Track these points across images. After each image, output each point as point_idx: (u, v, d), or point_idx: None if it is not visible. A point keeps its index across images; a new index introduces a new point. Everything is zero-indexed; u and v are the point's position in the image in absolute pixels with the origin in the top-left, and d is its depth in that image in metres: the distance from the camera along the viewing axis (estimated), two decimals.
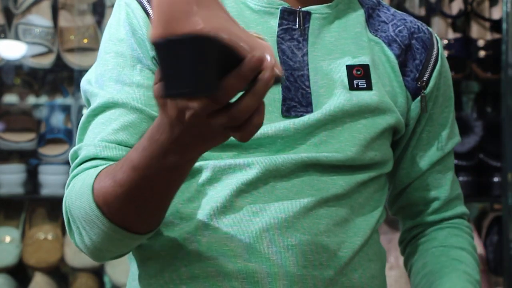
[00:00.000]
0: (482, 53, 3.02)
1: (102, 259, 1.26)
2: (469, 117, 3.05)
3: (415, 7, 3.07)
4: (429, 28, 1.42)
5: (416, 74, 1.36)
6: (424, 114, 1.38)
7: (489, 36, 3.07)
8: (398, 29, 1.37)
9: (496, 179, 3.01)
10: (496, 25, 3.05)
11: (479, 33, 3.08)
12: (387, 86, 1.33)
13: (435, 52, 1.39)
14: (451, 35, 3.04)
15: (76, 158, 1.24)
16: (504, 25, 2.90)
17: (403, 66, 1.36)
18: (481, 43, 3.02)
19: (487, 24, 3.09)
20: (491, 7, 3.14)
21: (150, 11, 1.27)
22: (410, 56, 1.37)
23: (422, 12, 3.06)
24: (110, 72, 1.26)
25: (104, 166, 1.19)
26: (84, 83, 1.30)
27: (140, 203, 1.11)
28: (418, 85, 1.36)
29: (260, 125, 0.94)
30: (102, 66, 1.28)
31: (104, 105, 1.24)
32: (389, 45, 1.35)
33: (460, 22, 3.11)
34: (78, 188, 1.17)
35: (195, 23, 0.85)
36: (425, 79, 1.37)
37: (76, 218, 1.18)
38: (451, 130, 1.43)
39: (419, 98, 1.36)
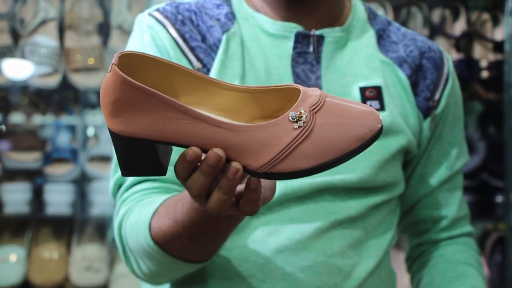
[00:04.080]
0: (485, 74, 3.03)
1: (158, 284, 1.28)
2: (472, 137, 3.06)
3: (418, 27, 3.09)
4: (439, 47, 1.43)
5: (428, 94, 1.37)
6: (434, 133, 1.39)
7: (491, 56, 3.09)
8: (409, 49, 1.38)
9: (499, 199, 3.01)
10: (498, 46, 3.07)
11: (482, 54, 3.09)
12: (399, 107, 1.34)
13: (445, 71, 1.40)
14: (454, 55, 3.05)
15: (124, 181, 1.27)
16: (506, 46, 2.92)
17: (414, 86, 1.37)
18: (484, 63, 3.03)
19: (490, 45, 3.11)
20: (493, 28, 3.15)
21: (174, 34, 1.29)
22: (421, 76, 1.38)
23: (425, 32, 3.08)
24: None
25: (156, 193, 1.21)
26: None
27: (204, 241, 1.13)
28: (429, 104, 1.37)
29: (257, 200, 0.95)
30: None
31: None
32: (400, 65, 1.36)
33: (463, 43, 3.12)
34: (133, 222, 1.19)
35: (116, 124, 0.92)
36: (436, 98, 1.37)
37: (132, 250, 1.21)
38: (460, 149, 1.43)
39: (430, 118, 1.37)
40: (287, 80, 1.29)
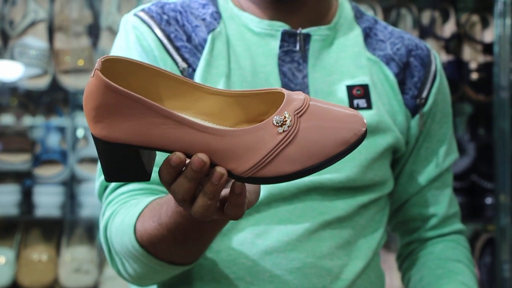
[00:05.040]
0: (474, 75, 3.03)
1: (145, 286, 1.28)
2: (462, 139, 3.07)
3: (408, 29, 3.10)
4: (427, 44, 1.43)
5: (415, 91, 1.37)
6: (422, 131, 1.39)
7: (481, 58, 3.09)
8: (396, 47, 1.38)
9: (489, 200, 3.01)
10: (488, 48, 3.07)
11: (472, 56, 3.10)
12: (386, 105, 1.34)
13: (433, 68, 1.39)
14: (444, 57, 3.06)
15: (110, 183, 1.26)
16: (496, 48, 2.92)
17: (401, 84, 1.36)
18: (473, 65, 3.04)
19: (479, 47, 3.11)
20: (483, 30, 3.16)
21: (159, 34, 1.29)
22: (409, 74, 1.37)
23: (415, 34, 3.08)
24: None
25: (142, 195, 1.22)
26: None
27: (189, 243, 1.13)
28: (417, 102, 1.37)
29: (241, 204, 0.95)
30: None
31: None
32: (387, 64, 1.36)
33: (453, 44, 3.13)
34: (119, 224, 1.19)
35: (99, 129, 0.91)
36: (424, 96, 1.37)
37: (118, 252, 1.21)
38: (449, 146, 1.43)
39: (418, 115, 1.37)
40: (273, 79, 1.29)
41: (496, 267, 2.92)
